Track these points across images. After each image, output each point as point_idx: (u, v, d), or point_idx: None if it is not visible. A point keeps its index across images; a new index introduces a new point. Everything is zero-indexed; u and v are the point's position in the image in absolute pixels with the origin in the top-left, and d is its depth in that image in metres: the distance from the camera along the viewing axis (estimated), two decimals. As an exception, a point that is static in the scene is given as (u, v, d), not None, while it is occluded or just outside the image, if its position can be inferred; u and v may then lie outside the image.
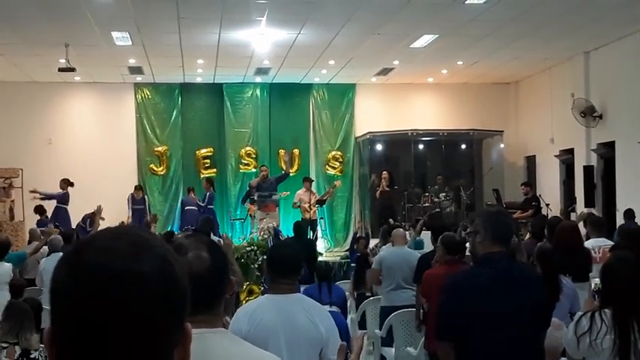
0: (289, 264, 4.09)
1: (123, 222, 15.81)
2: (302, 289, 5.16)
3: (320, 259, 13.73)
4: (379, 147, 19.28)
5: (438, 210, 17.50)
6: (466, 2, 11.93)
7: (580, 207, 15.64)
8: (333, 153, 19.58)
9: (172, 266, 1.23)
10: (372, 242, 14.13)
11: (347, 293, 8.99)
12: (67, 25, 13.08)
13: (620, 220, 12.87)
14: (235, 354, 2.27)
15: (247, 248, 13.55)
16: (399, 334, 8.39)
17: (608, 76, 15.37)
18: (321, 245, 17.36)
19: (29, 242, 12.77)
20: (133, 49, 15.03)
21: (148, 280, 1.18)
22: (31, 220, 16.09)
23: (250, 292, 12.84)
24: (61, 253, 8.82)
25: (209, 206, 17.57)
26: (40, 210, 16.09)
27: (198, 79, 18.74)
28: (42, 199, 16.55)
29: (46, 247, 10.95)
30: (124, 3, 11.76)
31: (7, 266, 9.27)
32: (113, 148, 18.59)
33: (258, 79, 18.88)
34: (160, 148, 18.98)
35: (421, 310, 7.53)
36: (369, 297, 9.97)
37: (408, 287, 8.71)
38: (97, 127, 18.85)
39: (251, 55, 15.69)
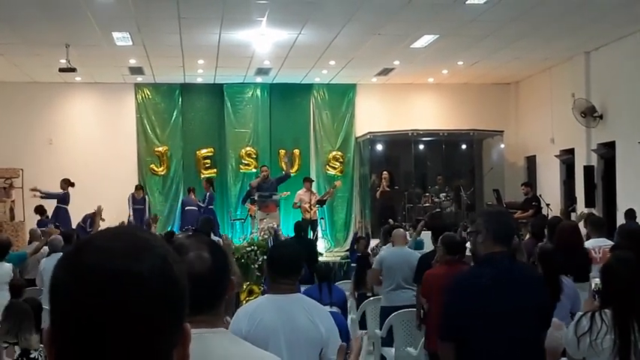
0: (289, 264, 4.09)
1: (123, 222, 15.80)
2: (302, 289, 5.16)
3: (320, 259, 13.74)
4: (379, 147, 19.28)
5: (438, 210, 17.49)
6: (466, 2, 11.93)
7: (580, 207, 15.63)
8: (334, 153, 19.58)
9: (171, 266, 1.23)
10: (373, 242, 14.13)
11: (347, 293, 8.99)
12: (67, 26, 13.08)
13: (620, 220, 12.87)
14: (235, 354, 2.28)
15: (247, 248, 13.56)
16: (399, 334, 8.39)
17: (608, 76, 15.37)
18: (321, 245, 17.36)
19: (29, 242, 12.77)
20: (134, 50, 15.03)
21: (147, 279, 1.18)
22: (32, 221, 16.09)
23: (250, 292, 12.85)
24: (61, 254, 8.81)
25: (209, 206, 17.57)
26: (40, 210, 16.09)
27: (199, 80, 18.74)
28: (42, 197, 16.55)
29: (46, 247, 10.95)
30: (124, 3, 11.76)
31: (8, 266, 9.27)
32: (114, 148, 18.59)
33: (259, 80, 18.88)
34: (160, 149, 18.98)
35: (421, 310, 7.54)
36: (370, 297, 9.97)
37: (409, 287, 8.72)
38: (98, 127, 18.86)
39: (251, 55, 15.69)
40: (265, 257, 9.03)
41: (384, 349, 8.78)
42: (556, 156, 17.45)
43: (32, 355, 5.65)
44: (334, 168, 19.56)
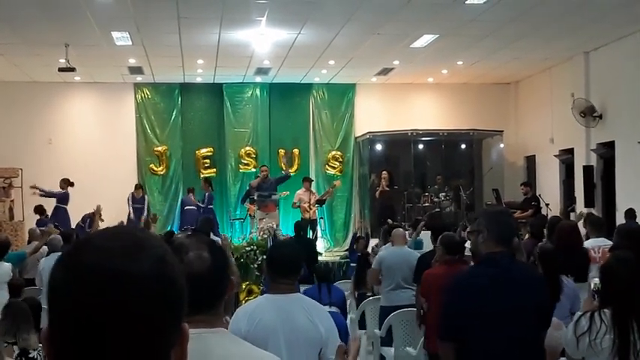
0: (289, 264, 4.09)
1: (122, 221, 15.80)
2: (301, 289, 5.16)
3: (319, 258, 13.75)
4: (379, 147, 19.28)
5: (437, 210, 17.49)
6: (466, 2, 11.93)
7: (580, 207, 15.64)
8: (333, 153, 19.58)
9: (170, 266, 1.23)
10: (372, 242, 14.14)
11: (346, 293, 9.00)
12: (67, 25, 13.08)
13: (619, 220, 12.87)
14: (235, 354, 2.27)
15: (247, 248, 13.55)
16: (399, 334, 8.39)
17: (608, 76, 15.37)
18: (320, 245, 17.36)
19: (29, 242, 12.77)
20: (133, 49, 15.03)
21: (146, 279, 1.18)
22: (31, 220, 16.08)
23: (250, 292, 12.85)
24: (60, 253, 8.82)
25: (209, 206, 17.57)
26: (39, 210, 16.09)
27: (198, 79, 18.74)
28: (41, 195, 16.54)
29: (45, 247, 10.95)
30: (124, 3, 11.75)
31: (7, 266, 9.26)
32: (113, 148, 18.59)
33: (258, 79, 18.88)
34: (159, 148, 18.98)
35: (421, 310, 7.54)
36: (370, 297, 9.97)
37: (408, 287, 8.72)
38: (97, 127, 18.85)
39: (251, 55, 15.69)
40: (265, 257, 9.03)
41: (384, 348, 8.77)
42: (555, 156, 17.45)
43: (31, 355, 5.65)
44: (334, 168, 19.57)
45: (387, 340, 8.62)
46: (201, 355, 2.14)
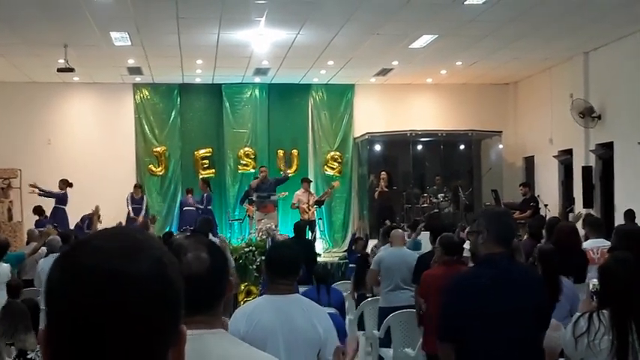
0: (288, 264, 4.09)
1: (120, 222, 15.79)
2: (300, 290, 5.16)
3: (318, 259, 13.74)
4: (378, 147, 19.29)
5: (436, 211, 17.49)
6: (465, 3, 11.93)
7: (578, 207, 15.64)
8: (332, 153, 19.57)
9: (168, 267, 1.23)
10: (371, 243, 14.12)
11: (345, 294, 8.99)
12: (66, 26, 13.07)
13: (618, 221, 12.87)
14: (234, 355, 2.27)
15: (246, 249, 13.57)
16: (397, 335, 8.38)
17: (607, 77, 15.38)
18: (319, 246, 17.35)
19: (27, 243, 12.76)
20: (132, 50, 15.03)
21: (144, 280, 1.18)
22: (30, 221, 16.08)
23: (248, 293, 12.86)
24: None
25: (208, 207, 17.57)
26: (38, 211, 16.09)
27: (197, 80, 18.74)
28: (40, 194, 16.53)
29: (44, 248, 10.95)
30: (123, 3, 11.75)
31: (6, 267, 9.25)
32: (112, 148, 18.58)
33: (257, 80, 18.88)
34: (158, 149, 18.97)
35: (420, 311, 7.53)
36: (370, 298, 9.96)
37: (407, 288, 8.71)
38: (96, 127, 18.85)
39: (250, 55, 15.69)
40: (263, 258, 9.03)
41: (382, 349, 8.77)
42: (554, 156, 17.46)
43: (29, 356, 5.65)
44: (332, 168, 19.56)
45: (385, 341, 8.61)
46: (200, 356, 2.13)
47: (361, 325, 9.70)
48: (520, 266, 4.82)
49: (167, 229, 16.87)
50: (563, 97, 16.51)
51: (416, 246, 11.58)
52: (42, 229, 13.38)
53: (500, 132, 19.12)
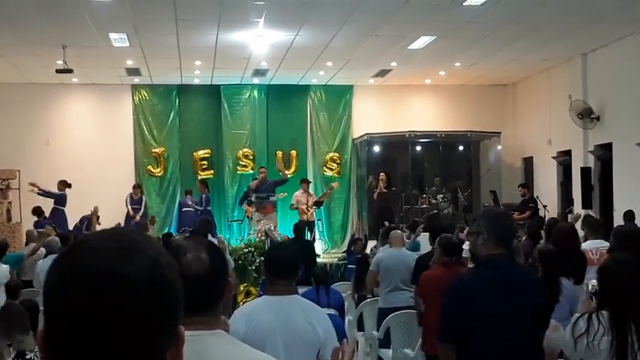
0: (287, 265, 4.09)
1: (119, 223, 15.78)
2: (300, 292, 5.16)
3: (317, 260, 13.73)
4: (377, 148, 19.29)
5: (435, 211, 17.50)
6: (464, 4, 11.93)
7: (577, 208, 15.64)
8: (331, 154, 19.58)
9: (165, 268, 1.23)
10: (370, 244, 14.13)
11: (344, 295, 8.99)
12: (64, 26, 13.06)
13: (617, 222, 12.86)
14: (233, 356, 2.27)
15: (245, 250, 13.56)
16: (397, 336, 8.38)
17: (605, 78, 15.38)
18: (318, 247, 17.34)
19: (26, 244, 12.74)
20: (131, 51, 15.02)
21: (142, 281, 1.18)
22: (29, 222, 16.05)
23: (248, 294, 12.85)
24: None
25: (207, 208, 17.57)
26: (38, 211, 16.07)
27: (196, 81, 18.73)
28: (39, 194, 16.51)
29: (43, 249, 10.93)
30: (121, 4, 11.75)
31: (5, 268, 9.24)
32: (111, 149, 18.57)
33: (256, 81, 18.88)
34: (157, 150, 18.96)
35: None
36: (370, 299, 9.95)
37: (406, 289, 8.71)
38: (95, 128, 18.84)
39: (249, 56, 15.69)
40: (262, 259, 9.02)
41: (381, 350, 8.77)
42: (553, 157, 17.47)
43: (28, 357, 5.64)
44: (331, 169, 19.56)
45: (385, 342, 8.62)
46: (199, 357, 2.13)
47: (361, 326, 9.71)
48: (520, 267, 4.82)
49: (166, 230, 16.87)
50: (562, 98, 16.52)
51: (415, 247, 11.58)
52: (41, 229, 13.36)
53: (499, 133, 19.13)
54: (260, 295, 6.33)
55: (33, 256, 11.07)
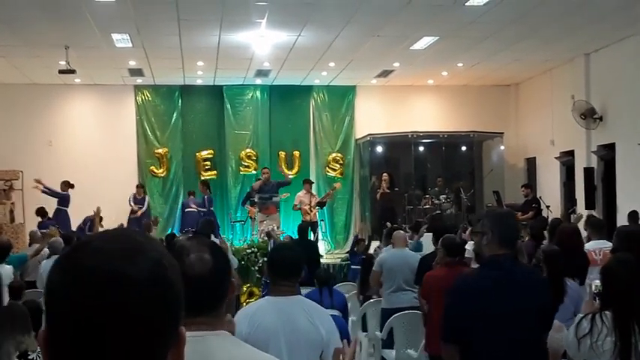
0: (290, 266, 4.08)
1: (122, 224, 15.80)
2: (303, 293, 5.15)
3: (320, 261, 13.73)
4: (379, 149, 19.29)
5: (438, 212, 17.49)
6: (466, 4, 11.92)
7: (580, 209, 15.62)
8: (334, 155, 19.57)
9: (167, 269, 1.24)
10: (373, 244, 14.11)
11: (348, 295, 8.99)
12: (67, 27, 13.07)
13: (620, 222, 12.85)
14: (236, 356, 2.27)
15: (248, 250, 13.56)
16: (400, 337, 8.37)
17: (608, 78, 15.37)
18: (321, 247, 17.33)
19: (30, 244, 12.76)
20: (134, 51, 15.03)
21: (144, 281, 1.19)
22: (32, 223, 16.07)
23: (251, 295, 12.86)
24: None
25: (210, 208, 17.57)
26: (41, 212, 16.08)
27: (199, 81, 18.73)
28: (43, 191, 16.52)
29: (46, 249, 10.94)
30: (124, 5, 11.75)
31: (8, 268, 9.25)
32: (113, 150, 18.59)
33: (259, 81, 18.88)
34: (160, 150, 18.97)
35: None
36: (374, 299, 9.95)
37: (409, 289, 8.71)
38: (98, 129, 18.85)
39: (251, 57, 15.69)
40: (265, 259, 9.02)
41: (385, 351, 8.76)
42: (556, 158, 17.45)
43: (30, 357, 5.64)
44: (334, 170, 19.56)
45: (388, 343, 8.61)
46: (202, 358, 2.13)
47: (364, 327, 9.70)
48: (523, 268, 4.81)
49: (169, 231, 16.88)
50: (565, 99, 16.50)
51: (417, 247, 11.58)
52: (44, 230, 13.39)
53: (502, 133, 19.12)
54: (263, 296, 6.33)
55: (36, 256, 11.08)
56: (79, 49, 14.43)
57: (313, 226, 16.81)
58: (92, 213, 15.75)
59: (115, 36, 13.81)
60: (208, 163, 19.24)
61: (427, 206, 17.91)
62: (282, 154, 19.31)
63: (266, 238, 13.54)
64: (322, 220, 18.11)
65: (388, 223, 14.75)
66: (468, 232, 10.27)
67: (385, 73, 17.94)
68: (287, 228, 16.53)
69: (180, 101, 19.16)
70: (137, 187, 18.03)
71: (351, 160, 19.71)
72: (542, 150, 18.41)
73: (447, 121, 19.41)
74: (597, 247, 8.05)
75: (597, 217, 12.97)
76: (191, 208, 17.91)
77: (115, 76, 17.74)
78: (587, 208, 15.38)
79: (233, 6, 11.90)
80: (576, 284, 6.18)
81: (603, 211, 15.43)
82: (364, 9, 12.11)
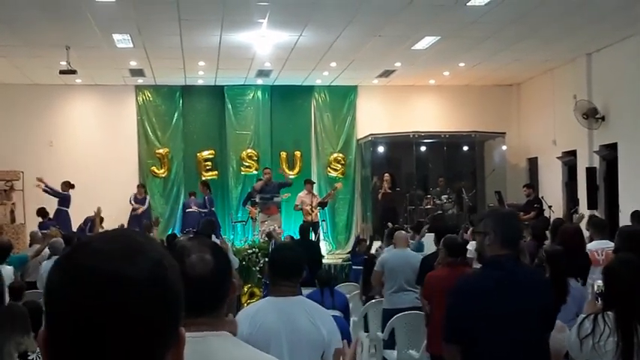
0: (291, 266, 4.08)
1: (122, 224, 15.80)
2: (304, 293, 5.14)
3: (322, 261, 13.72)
4: (381, 149, 19.28)
5: (440, 212, 17.48)
6: (468, 4, 11.91)
7: (583, 209, 15.60)
8: (335, 155, 19.56)
9: (167, 269, 1.24)
10: (375, 245, 14.11)
11: (349, 296, 8.98)
12: (68, 27, 13.07)
13: (622, 222, 12.83)
14: (237, 357, 2.26)
15: (249, 251, 13.55)
16: (401, 337, 8.36)
17: (610, 78, 15.36)
18: (322, 248, 17.33)
19: (30, 245, 12.75)
20: (134, 52, 15.03)
21: (144, 282, 1.19)
22: (32, 223, 16.08)
23: (252, 295, 12.85)
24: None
25: (212, 209, 17.57)
26: (42, 212, 16.08)
27: (200, 82, 18.73)
28: (44, 190, 16.51)
29: (47, 250, 10.94)
30: (125, 5, 11.75)
31: (9, 269, 9.24)
32: (114, 150, 18.59)
33: (260, 82, 18.87)
34: (161, 151, 18.98)
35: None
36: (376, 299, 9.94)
37: (411, 289, 8.71)
38: (98, 129, 18.85)
39: (252, 57, 15.68)
40: (267, 259, 9.01)
41: (386, 351, 8.75)
42: (558, 158, 17.43)
43: (30, 357, 5.64)
44: (335, 170, 19.55)
45: (389, 343, 8.60)
46: (203, 358, 2.12)
47: (366, 327, 9.69)
48: (526, 268, 4.79)
49: (170, 231, 16.88)
50: (566, 99, 16.49)
51: (419, 248, 11.58)
52: (45, 231, 13.38)
53: (504, 133, 19.11)
54: (264, 296, 6.32)
55: (37, 257, 11.07)
56: (80, 50, 14.43)
57: (314, 226, 16.79)
58: (93, 213, 15.74)
59: (116, 36, 13.81)
60: (209, 163, 19.23)
61: (429, 206, 17.91)
62: (284, 154, 19.31)
63: (267, 239, 13.54)
64: (323, 221, 18.09)
65: (390, 224, 14.75)
66: (469, 233, 10.25)
67: (387, 73, 17.94)
68: (288, 228, 16.52)
69: (181, 101, 19.16)
70: (138, 186, 18.04)
71: (353, 161, 19.71)
72: (544, 150, 18.40)
73: (448, 121, 19.40)
74: (599, 247, 8.04)
75: (599, 217, 12.94)
76: (192, 208, 17.92)
77: (115, 76, 17.75)
78: (589, 208, 15.36)
79: (234, 6, 11.90)
80: (579, 284, 6.17)
81: (605, 211, 15.42)
82: (365, 9, 12.11)
